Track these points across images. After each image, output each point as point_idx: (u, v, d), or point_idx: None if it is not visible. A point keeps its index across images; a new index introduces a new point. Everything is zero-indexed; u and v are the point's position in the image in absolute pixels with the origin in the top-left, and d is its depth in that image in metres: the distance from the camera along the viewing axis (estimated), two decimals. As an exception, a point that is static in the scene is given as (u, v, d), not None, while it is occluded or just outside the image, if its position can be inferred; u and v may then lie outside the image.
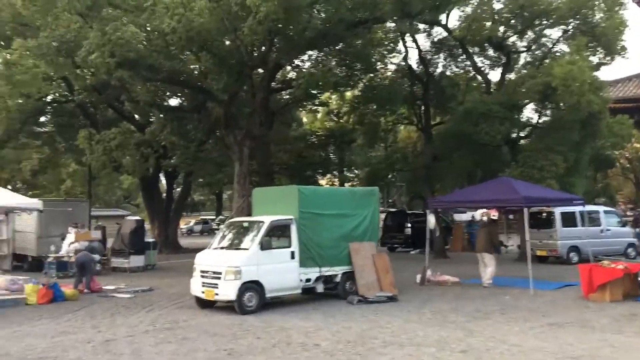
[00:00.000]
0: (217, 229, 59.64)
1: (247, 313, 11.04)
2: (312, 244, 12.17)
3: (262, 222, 11.73)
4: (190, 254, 30.90)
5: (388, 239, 26.63)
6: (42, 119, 31.89)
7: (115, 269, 21.41)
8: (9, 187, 35.94)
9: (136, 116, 30.45)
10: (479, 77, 25.64)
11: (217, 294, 11.20)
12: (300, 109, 25.31)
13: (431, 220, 15.22)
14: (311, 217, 12.24)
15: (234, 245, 11.97)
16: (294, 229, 11.96)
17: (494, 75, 29.20)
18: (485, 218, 15.06)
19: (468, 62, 26.32)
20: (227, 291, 11.04)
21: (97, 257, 15.68)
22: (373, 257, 13.08)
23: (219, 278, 11.20)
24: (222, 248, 12.04)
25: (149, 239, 24.22)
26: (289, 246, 11.88)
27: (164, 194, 33.46)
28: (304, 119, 35.64)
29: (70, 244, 20.80)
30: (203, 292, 11.52)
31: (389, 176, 31.91)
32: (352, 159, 28.25)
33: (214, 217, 66.24)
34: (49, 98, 29.90)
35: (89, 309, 12.44)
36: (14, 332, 9.86)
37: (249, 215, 20.71)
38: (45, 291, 13.48)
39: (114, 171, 34.08)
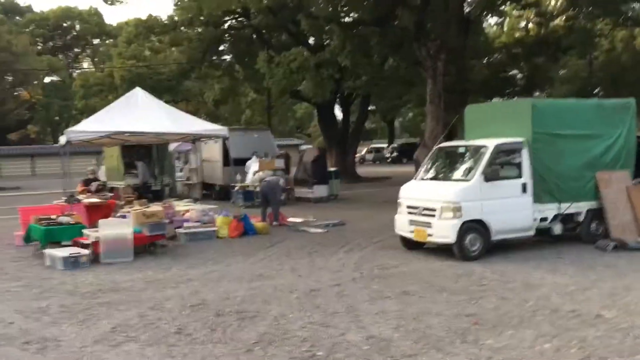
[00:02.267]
0: (390, 158, 58.50)
1: (470, 259, 8.90)
2: (549, 174, 9.50)
3: (485, 146, 9.29)
4: (370, 184, 29.83)
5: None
6: (221, 48, 31.95)
7: (299, 199, 20.63)
8: (195, 118, 37.35)
9: (311, 40, 29.07)
10: None
11: (430, 235, 9.18)
12: (495, 16, 21.41)
13: None
14: (548, 139, 9.50)
15: (449, 176, 9.74)
16: (525, 155, 9.37)
17: None
18: None
19: None
20: (444, 231, 8.95)
21: (282, 181, 14.50)
22: (628, 189, 10.04)
23: (432, 216, 9.13)
24: (432, 179, 9.88)
25: (330, 168, 23.02)
26: (520, 177, 9.36)
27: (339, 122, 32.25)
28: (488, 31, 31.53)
29: (254, 173, 20.30)
30: (412, 232, 9.57)
31: (598, 94, 27.03)
32: (550, 74, 23.77)
33: (385, 145, 64.64)
34: (226, 25, 29.67)
35: (282, 245, 11.24)
36: (209, 273, 8.82)
37: (446, 140, 18.34)
38: (236, 224, 12.63)
39: (292, 97, 33.57)
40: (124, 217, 12.07)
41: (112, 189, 21.29)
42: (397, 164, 56.26)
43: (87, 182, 17.45)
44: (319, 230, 12.89)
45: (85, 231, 10.42)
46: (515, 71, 20.84)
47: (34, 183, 39.07)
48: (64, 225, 10.58)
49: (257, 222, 13.37)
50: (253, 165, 20.42)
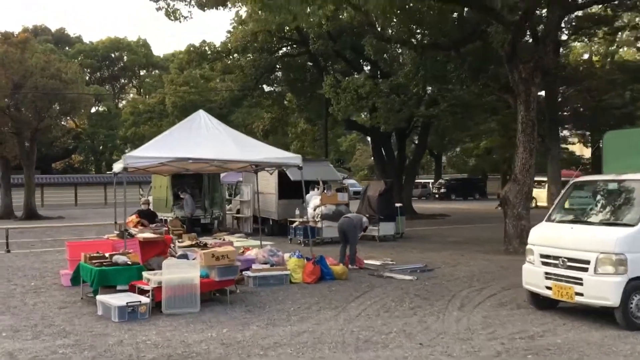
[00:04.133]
0: (437, 194, 56.15)
1: (638, 329, 6.89)
2: None
3: (653, 182, 7.35)
4: (429, 221, 27.72)
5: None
6: (273, 76, 30.83)
7: (361, 236, 18.76)
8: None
9: (366, 68, 27.64)
10: None
11: (579, 294, 7.19)
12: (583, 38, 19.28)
13: None
14: None
15: (600, 219, 7.77)
16: None
17: None
18: None
19: None
20: (602, 291, 6.97)
21: (365, 220, 12.78)
22: None
23: (583, 270, 7.17)
24: (575, 222, 7.93)
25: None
26: (695, 223, 7.34)
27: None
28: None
29: (315, 208, 18.63)
30: (549, 288, 7.61)
31: None
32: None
33: (431, 180, 62.27)
34: (280, 52, 28.56)
35: (372, 296, 9.39)
36: (299, 335, 7.02)
37: (539, 175, 16.37)
38: (312, 268, 10.85)
39: (347, 128, 32.03)
40: (185, 256, 10.48)
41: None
42: (445, 200, 54.00)
43: (141, 214, 16.10)
44: (407, 277, 11.00)
45: (145, 274, 8.79)
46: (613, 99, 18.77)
47: (77, 212, 38.25)
48: (119, 266, 8.98)
49: (331, 264, 11.59)
50: (313, 199, 18.76)
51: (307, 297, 9.35)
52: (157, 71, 62.25)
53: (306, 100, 28.82)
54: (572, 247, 7.37)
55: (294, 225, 18.38)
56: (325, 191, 18.52)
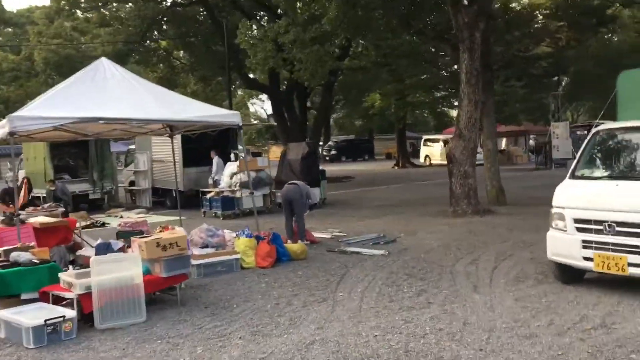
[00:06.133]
0: (328, 156, 55.42)
1: (703, 302, 5.86)
2: None
3: None
4: (338, 184, 26.46)
5: None
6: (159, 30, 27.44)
7: (281, 205, 16.96)
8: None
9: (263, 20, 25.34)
10: None
11: (634, 265, 5.99)
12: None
13: None
14: None
15: (642, 174, 6.61)
16: None
17: None
18: None
19: None
20: (664, 261, 5.82)
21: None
22: None
23: (638, 235, 5.98)
24: (618, 177, 6.68)
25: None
26: None
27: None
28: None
29: (232, 175, 16.46)
30: (588, 259, 6.36)
31: None
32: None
33: (320, 142, 61.37)
34: (169, 1, 25.35)
35: (354, 279, 7.68)
36: (306, 348, 5.14)
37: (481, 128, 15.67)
38: (268, 249, 8.89)
39: (247, 87, 29.51)
40: (106, 246, 8.05)
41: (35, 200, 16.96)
42: (336, 162, 53.51)
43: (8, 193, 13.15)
44: (378, 252, 9.42)
45: (64, 277, 6.34)
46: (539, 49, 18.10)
47: None
48: (23, 267, 6.43)
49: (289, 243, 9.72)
50: (229, 166, 16.58)
51: (277, 288, 7.45)
52: (10, 29, 54.53)
53: (200, 57, 26.00)
54: (622, 208, 6.13)
55: (208, 196, 16.11)
56: (241, 157, 16.40)
